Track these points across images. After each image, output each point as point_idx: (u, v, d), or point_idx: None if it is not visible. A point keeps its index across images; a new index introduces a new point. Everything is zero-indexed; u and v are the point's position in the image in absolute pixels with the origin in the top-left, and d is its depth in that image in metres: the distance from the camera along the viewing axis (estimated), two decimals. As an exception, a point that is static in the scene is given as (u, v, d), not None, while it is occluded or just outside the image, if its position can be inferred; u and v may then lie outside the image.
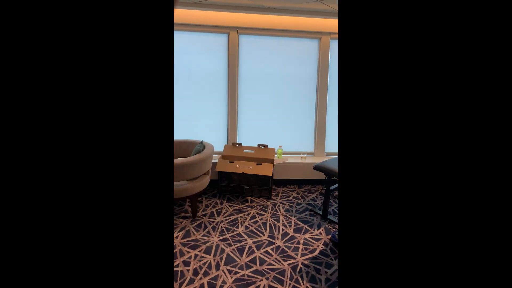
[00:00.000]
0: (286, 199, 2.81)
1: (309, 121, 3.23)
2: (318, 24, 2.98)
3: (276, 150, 3.14)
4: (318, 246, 2.06)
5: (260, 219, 2.40)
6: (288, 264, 1.86)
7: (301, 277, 1.76)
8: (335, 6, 2.65)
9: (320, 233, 2.22)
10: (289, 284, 1.69)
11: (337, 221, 2.39)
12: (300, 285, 1.69)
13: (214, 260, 1.88)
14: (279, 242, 2.09)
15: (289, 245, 2.07)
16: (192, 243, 2.06)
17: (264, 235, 2.18)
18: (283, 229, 2.26)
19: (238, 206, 2.63)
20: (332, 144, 3.28)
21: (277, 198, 2.81)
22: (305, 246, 2.05)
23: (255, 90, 3.13)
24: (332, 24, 2.98)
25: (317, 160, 3.11)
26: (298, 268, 1.83)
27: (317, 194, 2.94)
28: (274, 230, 2.24)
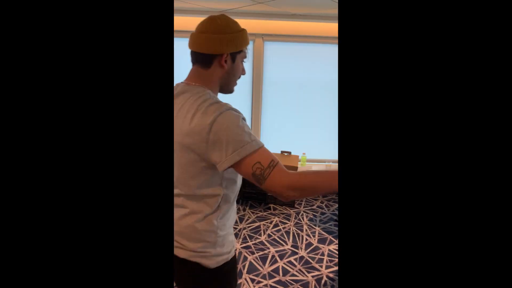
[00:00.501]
0: (309, 208, 2.74)
1: (334, 128, 3.15)
2: (344, 30, 2.92)
3: (300, 157, 3.09)
4: (343, 258, 1.99)
5: (283, 228, 2.36)
6: (312, 276, 1.80)
7: (326, 290, 1.69)
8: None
9: None
10: (314, 297, 1.64)
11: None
12: (325, 299, 1.63)
13: (237, 267, 1.87)
14: (302, 253, 2.04)
15: (313, 256, 2.01)
16: (215, 249, 2.06)
17: (287, 244, 2.14)
18: (306, 239, 2.21)
19: (261, 214, 2.61)
20: (358, 152, 3.18)
21: (300, 207, 2.76)
22: (329, 258, 1.98)
23: (279, 96, 3.12)
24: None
25: (343, 169, 3.02)
26: (323, 281, 1.76)
27: (342, 204, 2.85)
28: (298, 240, 2.19)
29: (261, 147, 0.65)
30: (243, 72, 0.80)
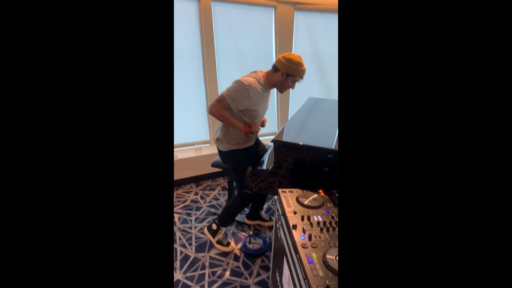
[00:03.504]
0: (182, 205, 2.27)
1: (200, 105, 2.69)
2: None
3: (162, 145, 2.49)
4: (228, 264, 1.67)
5: (149, 245, 1.80)
6: (193, 307, 1.39)
7: (212, 321, 1.33)
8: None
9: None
10: None
11: (244, 221, 2.05)
12: (212, 336, 1.26)
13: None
14: (177, 275, 1.58)
15: (191, 275, 1.58)
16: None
17: (155, 269, 1.61)
18: (181, 252, 1.75)
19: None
20: (228, 128, 2.88)
21: (170, 207, 2.24)
22: (212, 270, 1.62)
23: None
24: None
25: (215, 150, 2.66)
26: (207, 308, 1.38)
27: (219, 190, 2.52)
28: (170, 257, 1.70)
29: (226, 96, 1.48)
30: (292, 87, 1.56)
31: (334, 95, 3.11)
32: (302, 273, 0.80)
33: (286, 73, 1.47)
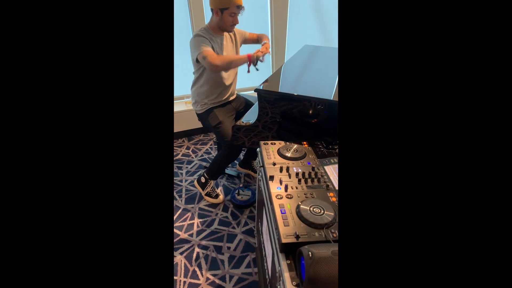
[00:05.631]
0: (174, 161, 2.26)
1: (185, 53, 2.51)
2: None
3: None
4: (216, 214, 1.70)
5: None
6: (181, 253, 1.45)
7: (199, 266, 1.39)
8: None
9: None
10: (184, 282, 1.30)
11: (235, 173, 2.05)
12: (199, 279, 1.33)
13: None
14: (167, 224, 1.62)
15: (181, 224, 1.63)
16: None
17: (146, 219, 1.65)
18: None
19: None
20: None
21: (162, 161, 2.23)
22: (200, 220, 1.66)
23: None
24: None
25: (205, 104, 2.56)
26: (195, 255, 1.44)
27: (211, 144, 2.50)
28: (160, 208, 1.74)
29: (203, 51, 1.41)
30: (234, 22, 1.50)
31: (333, 43, 2.89)
32: (274, 223, 0.79)
33: (218, 10, 1.44)
